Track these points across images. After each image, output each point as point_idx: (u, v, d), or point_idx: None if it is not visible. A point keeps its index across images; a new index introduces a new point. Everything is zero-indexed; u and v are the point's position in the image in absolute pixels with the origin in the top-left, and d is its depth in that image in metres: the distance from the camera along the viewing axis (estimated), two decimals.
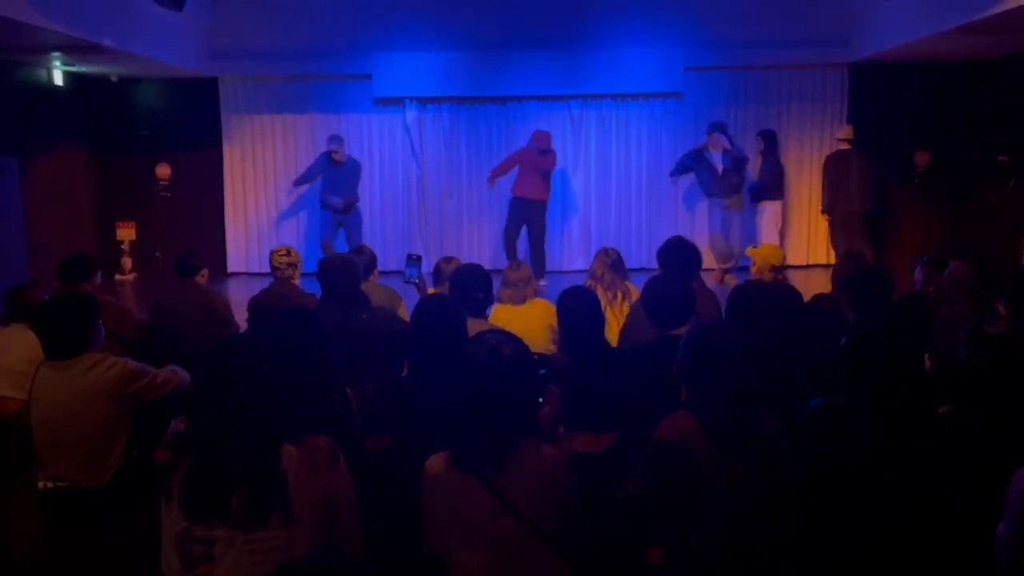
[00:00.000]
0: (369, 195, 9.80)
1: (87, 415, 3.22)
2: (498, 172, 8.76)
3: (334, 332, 3.54)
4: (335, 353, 3.20)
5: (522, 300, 4.41)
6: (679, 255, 4.44)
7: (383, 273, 5.89)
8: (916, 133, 9.31)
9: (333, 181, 8.79)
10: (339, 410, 2.86)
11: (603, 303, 3.90)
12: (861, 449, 2.40)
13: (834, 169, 8.90)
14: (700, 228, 9.53)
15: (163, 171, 9.61)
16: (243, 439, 2.08)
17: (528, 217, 8.58)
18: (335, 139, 8.81)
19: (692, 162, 8.91)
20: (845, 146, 8.90)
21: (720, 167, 8.71)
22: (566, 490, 2.22)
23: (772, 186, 9.09)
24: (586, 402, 3.03)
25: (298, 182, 9.14)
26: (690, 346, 2.45)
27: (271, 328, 3.04)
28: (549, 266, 9.58)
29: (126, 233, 9.61)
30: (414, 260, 4.93)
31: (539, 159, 8.49)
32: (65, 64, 8.26)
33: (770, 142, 9.11)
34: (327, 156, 8.82)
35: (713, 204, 8.97)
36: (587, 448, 2.95)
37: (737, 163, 8.73)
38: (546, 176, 8.59)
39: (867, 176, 8.74)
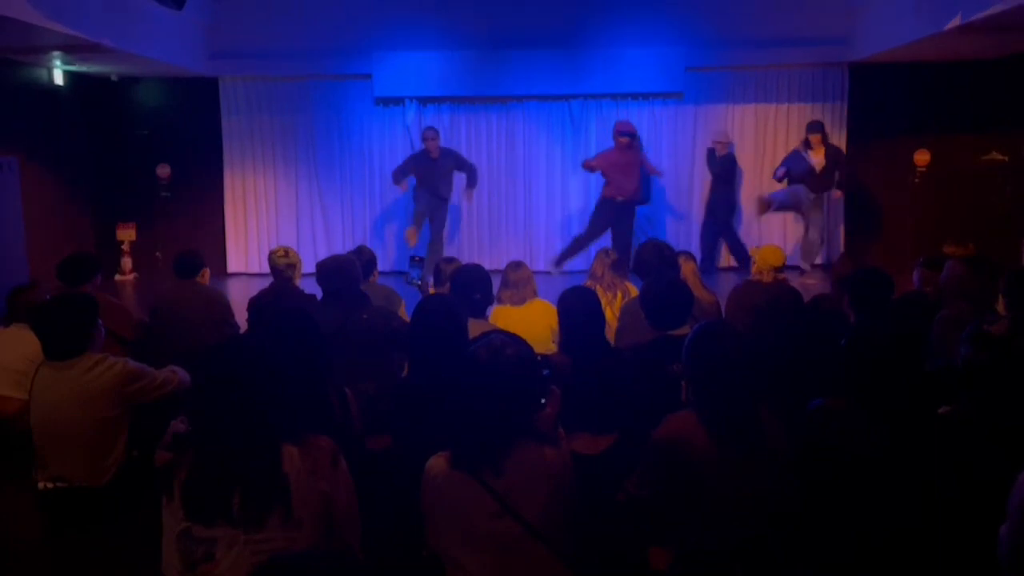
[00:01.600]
0: (369, 195, 9.81)
1: (87, 415, 3.22)
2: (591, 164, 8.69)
3: (335, 332, 3.54)
4: (334, 353, 3.20)
5: (522, 301, 4.41)
6: (660, 257, 4.45)
7: (383, 273, 5.89)
8: (916, 133, 9.31)
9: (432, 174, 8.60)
10: (338, 410, 2.87)
11: (603, 303, 3.90)
12: (861, 449, 2.40)
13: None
14: (696, 227, 9.54)
15: (163, 171, 9.61)
16: (244, 439, 2.08)
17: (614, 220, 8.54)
18: (430, 130, 8.63)
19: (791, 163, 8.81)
20: (724, 150, 9.05)
21: (817, 165, 8.67)
22: (566, 491, 2.22)
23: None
24: (586, 402, 3.03)
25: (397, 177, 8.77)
26: (693, 346, 2.46)
27: (268, 329, 3.04)
28: (549, 266, 9.58)
29: (126, 233, 9.60)
30: (416, 262, 4.94)
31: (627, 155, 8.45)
32: (65, 64, 8.26)
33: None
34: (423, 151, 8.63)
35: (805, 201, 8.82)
36: (587, 448, 2.95)
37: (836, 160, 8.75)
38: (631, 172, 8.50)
39: None
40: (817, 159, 8.67)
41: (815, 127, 8.75)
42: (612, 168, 8.52)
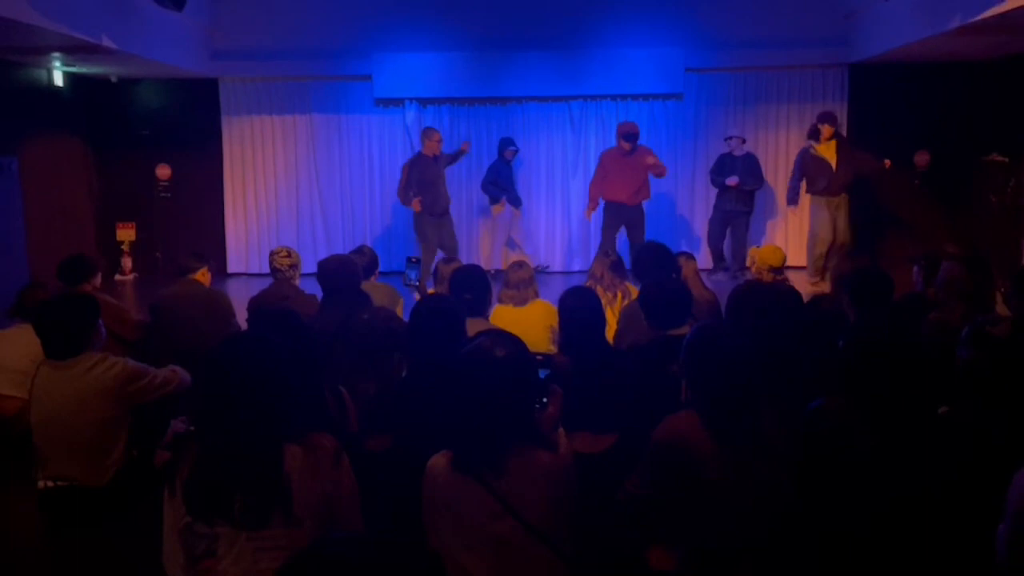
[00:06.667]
0: (369, 196, 9.81)
1: (87, 415, 3.22)
2: (593, 197, 8.46)
3: (335, 332, 3.54)
4: (334, 353, 3.20)
5: (523, 301, 4.41)
6: (657, 259, 4.45)
7: (383, 274, 5.88)
8: (916, 133, 9.31)
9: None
10: (334, 410, 2.87)
11: (603, 303, 3.90)
12: (861, 449, 2.40)
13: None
14: (698, 228, 9.53)
15: (163, 171, 9.61)
16: (246, 437, 2.08)
17: (626, 221, 8.35)
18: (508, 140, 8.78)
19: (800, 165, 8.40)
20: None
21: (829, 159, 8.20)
22: (567, 493, 2.22)
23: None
24: (586, 402, 3.03)
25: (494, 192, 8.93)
26: (693, 345, 2.46)
27: (264, 329, 3.04)
28: (549, 266, 9.60)
29: (126, 233, 9.61)
30: (413, 262, 4.94)
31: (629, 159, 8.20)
32: (65, 64, 8.26)
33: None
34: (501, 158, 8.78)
35: (818, 204, 8.35)
36: (587, 448, 2.96)
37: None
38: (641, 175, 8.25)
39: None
40: (827, 153, 8.21)
41: (827, 117, 8.31)
42: (610, 170, 8.32)
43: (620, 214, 8.31)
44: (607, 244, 8.23)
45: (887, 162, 8.38)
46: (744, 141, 9.08)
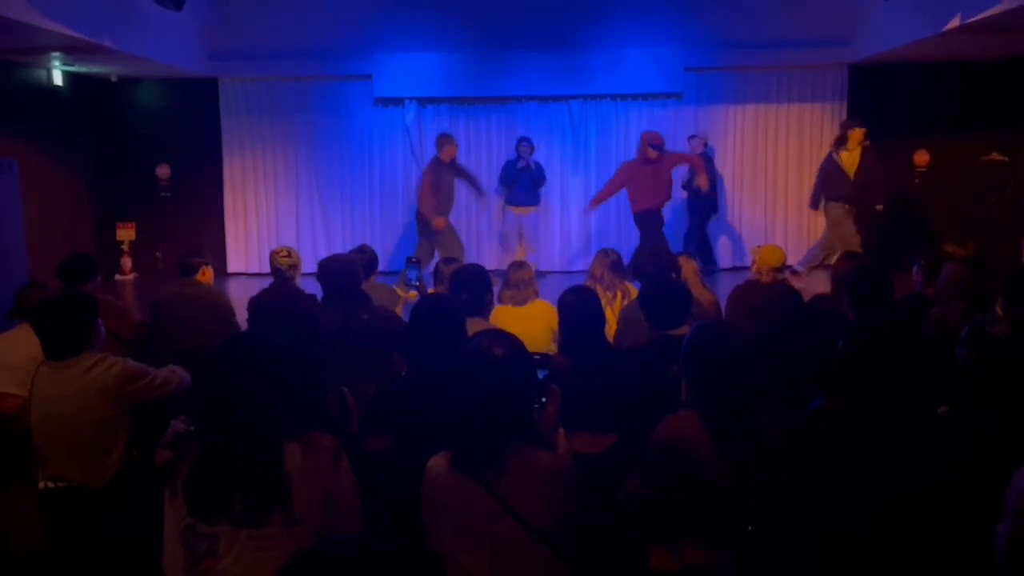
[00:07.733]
0: (369, 195, 9.81)
1: (87, 415, 3.22)
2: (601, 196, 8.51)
3: (335, 332, 3.54)
4: (333, 353, 3.20)
5: (523, 301, 4.41)
6: (657, 259, 4.47)
7: (383, 274, 5.89)
8: (915, 132, 9.31)
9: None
10: (335, 410, 2.87)
11: (602, 303, 3.90)
12: (861, 449, 2.40)
13: None
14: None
15: (163, 171, 9.62)
16: (247, 436, 2.09)
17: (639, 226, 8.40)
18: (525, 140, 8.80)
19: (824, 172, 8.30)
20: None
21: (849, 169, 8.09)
22: (567, 493, 2.22)
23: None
24: (586, 402, 3.03)
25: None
26: (693, 345, 2.46)
27: (267, 327, 3.05)
28: (549, 266, 9.59)
29: (126, 233, 9.62)
30: (413, 262, 4.95)
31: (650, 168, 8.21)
32: (65, 64, 8.26)
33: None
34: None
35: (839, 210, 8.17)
36: (587, 448, 2.96)
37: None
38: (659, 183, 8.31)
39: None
40: (849, 161, 8.07)
41: (856, 122, 8.19)
42: (635, 182, 8.22)
43: (648, 217, 8.35)
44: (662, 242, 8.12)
45: (879, 207, 8.31)
46: (706, 144, 9.13)
